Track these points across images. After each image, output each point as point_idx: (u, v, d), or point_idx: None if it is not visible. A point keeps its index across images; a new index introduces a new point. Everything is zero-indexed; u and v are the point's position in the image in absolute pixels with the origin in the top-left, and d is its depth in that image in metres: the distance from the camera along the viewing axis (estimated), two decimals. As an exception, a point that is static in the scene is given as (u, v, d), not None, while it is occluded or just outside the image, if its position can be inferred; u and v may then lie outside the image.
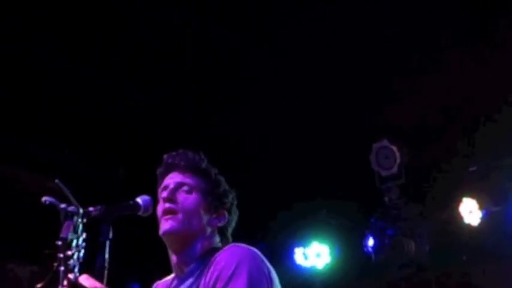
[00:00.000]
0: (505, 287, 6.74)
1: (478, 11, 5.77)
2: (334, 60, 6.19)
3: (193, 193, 2.75)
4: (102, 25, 5.69)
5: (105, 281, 2.40)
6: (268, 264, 2.62)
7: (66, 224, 2.36)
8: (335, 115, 6.69)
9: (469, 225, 6.70)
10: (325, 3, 5.73)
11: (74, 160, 6.76)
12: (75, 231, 2.35)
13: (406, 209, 7.15)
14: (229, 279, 2.48)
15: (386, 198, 7.20)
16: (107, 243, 2.44)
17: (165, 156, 2.86)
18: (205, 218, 2.74)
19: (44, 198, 2.39)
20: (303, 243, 7.68)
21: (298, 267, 7.67)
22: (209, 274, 2.55)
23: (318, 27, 5.90)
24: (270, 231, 7.39)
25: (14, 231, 6.91)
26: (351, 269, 7.54)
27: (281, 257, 7.63)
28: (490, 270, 6.78)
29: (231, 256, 2.55)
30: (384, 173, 7.18)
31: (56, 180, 2.35)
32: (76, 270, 2.31)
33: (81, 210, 2.39)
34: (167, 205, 2.71)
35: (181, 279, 2.72)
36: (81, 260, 2.33)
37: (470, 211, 6.68)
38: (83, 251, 2.34)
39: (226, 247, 2.65)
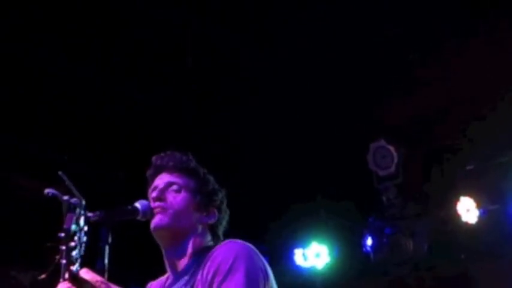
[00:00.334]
0: (502, 285, 6.74)
1: (478, 10, 5.80)
2: (333, 60, 6.22)
3: (183, 192, 2.78)
4: (102, 25, 5.69)
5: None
6: (263, 259, 2.65)
7: (68, 215, 2.39)
8: (333, 115, 6.72)
9: (466, 224, 6.73)
10: (325, 3, 5.75)
11: (74, 160, 6.75)
12: (78, 223, 2.38)
13: (403, 208, 7.18)
14: (227, 273, 2.50)
15: (384, 198, 7.23)
16: (106, 247, 2.47)
17: (153, 158, 2.89)
18: (195, 216, 2.77)
19: (46, 190, 2.42)
20: (302, 243, 7.70)
21: (298, 268, 7.71)
22: (206, 269, 2.56)
23: (318, 27, 5.92)
24: (269, 233, 7.40)
25: (15, 237, 6.88)
26: (350, 269, 7.57)
27: (281, 258, 7.66)
28: (487, 268, 6.78)
29: (228, 251, 2.58)
30: (381, 173, 7.22)
31: (59, 172, 2.39)
32: (78, 262, 2.34)
33: (83, 202, 2.42)
34: (157, 204, 2.73)
35: (175, 277, 2.73)
36: (82, 253, 2.35)
37: (467, 210, 6.71)
38: (84, 243, 2.37)
39: (222, 243, 2.68)
